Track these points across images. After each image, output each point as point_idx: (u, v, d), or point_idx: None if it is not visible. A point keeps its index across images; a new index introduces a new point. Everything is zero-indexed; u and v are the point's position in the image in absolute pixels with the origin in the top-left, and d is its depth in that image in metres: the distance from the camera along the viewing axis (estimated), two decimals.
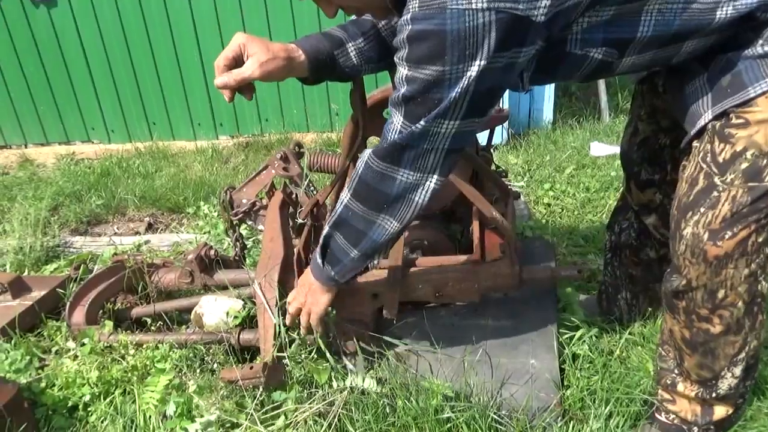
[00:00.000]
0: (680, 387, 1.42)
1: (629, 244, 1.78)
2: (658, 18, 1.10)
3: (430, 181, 1.22)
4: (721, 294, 1.21)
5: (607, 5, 1.09)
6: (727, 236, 1.15)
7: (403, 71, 1.09)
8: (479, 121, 1.15)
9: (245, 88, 1.35)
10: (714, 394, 1.37)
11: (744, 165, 1.12)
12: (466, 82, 1.04)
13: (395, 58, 1.11)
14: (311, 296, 1.53)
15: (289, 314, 1.59)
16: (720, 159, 1.15)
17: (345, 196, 1.33)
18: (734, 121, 1.13)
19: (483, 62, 1.01)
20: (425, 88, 1.07)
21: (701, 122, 1.18)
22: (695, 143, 1.22)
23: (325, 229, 1.41)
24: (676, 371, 1.42)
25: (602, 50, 1.15)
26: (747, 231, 1.14)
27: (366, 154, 1.26)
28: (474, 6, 0.96)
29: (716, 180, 1.15)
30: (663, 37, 1.13)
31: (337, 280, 1.45)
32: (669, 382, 1.44)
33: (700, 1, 1.09)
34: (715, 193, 1.15)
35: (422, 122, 1.11)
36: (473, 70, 1.02)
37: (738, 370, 1.32)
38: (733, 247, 1.15)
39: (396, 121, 1.15)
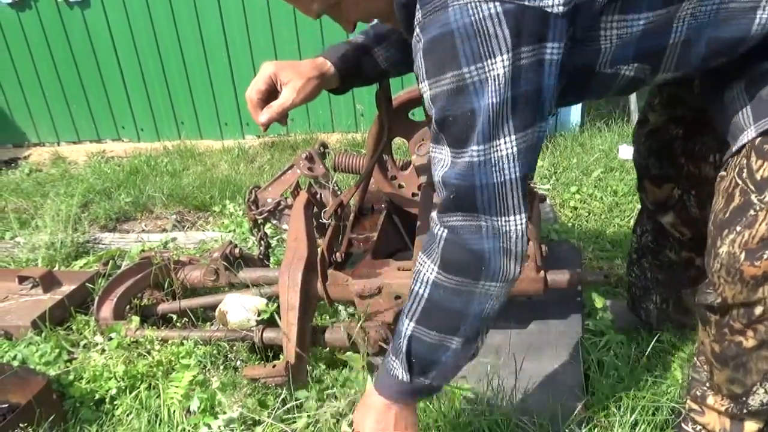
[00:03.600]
0: (710, 400, 1.38)
1: (648, 247, 1.75)
2: (690, 21, 1.03)
3: (520, 222, 1.02)
4: (758, 311, 1.17)
5: (637, 11, 1.01)
6: (765, 256, 1.10)
7: (426, 93, 0.98)
8: (540, 127, 0.99)
9: (282, 116, 1.35)
10: (745, 410, 1.32)
11: None
12: (494, 85, 0.92)
13: (419, 86, 1.00)
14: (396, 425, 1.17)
15: None
16: (757, 176, 1.10)
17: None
18: None
19: (505, 58, 0.90)
20: (451, 100, 0.94)
21: (744, 138, 1.12)
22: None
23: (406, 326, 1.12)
24: (707, 384, 1.38)
25: (633, 66, 1.07)
26: None
27: (434, 216, 1.06)
28: None
29: (753, 198, 1.11)
30: (696, 48, 1.06)
31: (435, 387, 1.17)
32: (699, 393, 1.40)
33: (737, 1, 1.02)
34: (752, 212, 1.10)
35: (474, 147, 0.95)
36: (497, 69, 0.91)
37: None
38: None
39: (443, 154, 1.00)
